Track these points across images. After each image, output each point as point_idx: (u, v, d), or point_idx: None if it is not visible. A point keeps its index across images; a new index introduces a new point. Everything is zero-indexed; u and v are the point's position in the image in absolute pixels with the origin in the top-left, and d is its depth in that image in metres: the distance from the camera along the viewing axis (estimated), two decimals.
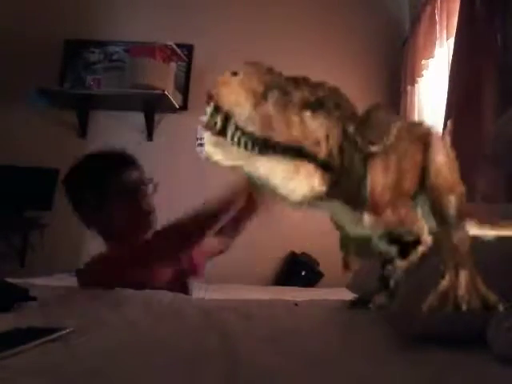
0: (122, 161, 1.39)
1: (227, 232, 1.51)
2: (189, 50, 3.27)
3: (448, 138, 1.91)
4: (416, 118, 2.67)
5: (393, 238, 0.51)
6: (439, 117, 2.20)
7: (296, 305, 1.10)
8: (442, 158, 0.58)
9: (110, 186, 1.31)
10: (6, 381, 0.52)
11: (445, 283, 0.57)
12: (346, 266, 0.57)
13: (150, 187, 1.43)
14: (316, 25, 3.33)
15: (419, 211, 0.57)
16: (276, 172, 0.42)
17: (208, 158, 0.44)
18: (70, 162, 3.26)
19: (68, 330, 0.72)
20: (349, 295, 1.26)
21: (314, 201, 0.43)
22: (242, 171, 0.45)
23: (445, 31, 2.24)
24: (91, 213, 1.32)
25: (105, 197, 1.30)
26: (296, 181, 0.42)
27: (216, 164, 0.46)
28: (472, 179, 1.70)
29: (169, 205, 3.12)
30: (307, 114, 0.42)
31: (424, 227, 0.54)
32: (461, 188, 0.61)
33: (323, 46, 3.31)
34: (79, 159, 1.40)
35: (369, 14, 3.35)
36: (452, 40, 2.06)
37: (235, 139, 0.41)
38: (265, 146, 0.41)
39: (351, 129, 0.46)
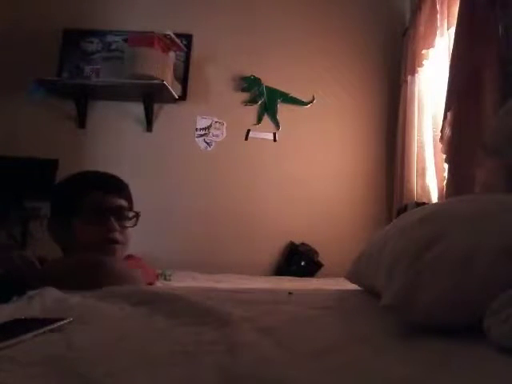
0: (90, 184, 1.36)
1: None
2: (188, 39, 3.25)
3: (448, 129, 1.91)
4: (416, 108, 2.66)
5: None
6: (440, 107, 2.20)
7: (290, 293, 1.10)
8: None
9: (74, 207, 1.32)
10: (5, 371, 0.52)
11: None
12: None
13: (127, 214, 1.38)
14: (316, 15, 3.31)
15: None
16: None
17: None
18: (69, 152, 3.28)
19: (67, 321, 0.72)
20: (348, 285, 1.27)
21: None
22: None
23: (445, 21, 2.23)
24: (57, 230, 1.37)
25: (68, 217, 1.33)
26: None
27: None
28: (472, 169, 1.70)
29: (168, 194, 3.13)
30: None
31: None
32: None
33: (324, 36, 3.29)
34: (63, 178, 1.44)
35: (369, 3, 3.33)
36: (453, 29, 2.05)
37: None
38: None
39: None
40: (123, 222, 1.36)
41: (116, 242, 1.32)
